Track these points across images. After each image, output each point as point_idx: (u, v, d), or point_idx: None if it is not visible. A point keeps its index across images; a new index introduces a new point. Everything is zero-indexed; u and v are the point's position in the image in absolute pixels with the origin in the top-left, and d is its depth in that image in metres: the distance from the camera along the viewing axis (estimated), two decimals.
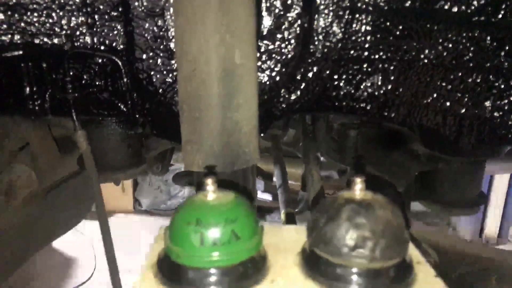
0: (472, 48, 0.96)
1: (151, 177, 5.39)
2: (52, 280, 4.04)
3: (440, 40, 0.96)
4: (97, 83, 1.02)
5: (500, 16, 0.93)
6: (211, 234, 0.54)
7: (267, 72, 0.98)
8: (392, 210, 0.57)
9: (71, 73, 1.00)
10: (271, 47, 0.96)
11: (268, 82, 0.99)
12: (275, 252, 0.65)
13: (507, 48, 0.95)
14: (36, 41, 0.97)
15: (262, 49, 0.95)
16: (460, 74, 0.99)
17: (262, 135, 1.08)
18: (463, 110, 1.02)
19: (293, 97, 1.03)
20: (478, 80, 0.99)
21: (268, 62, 0.97)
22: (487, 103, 1.00)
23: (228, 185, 0.64)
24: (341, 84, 1.02)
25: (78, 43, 0.98)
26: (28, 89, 1.02)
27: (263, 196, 1.82)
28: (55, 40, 0.97)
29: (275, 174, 1.50)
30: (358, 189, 0.59)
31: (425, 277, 0.60)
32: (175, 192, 5.32)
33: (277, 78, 0.99)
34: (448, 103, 1.01)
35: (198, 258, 0.55)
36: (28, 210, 1.02)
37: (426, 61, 0.98)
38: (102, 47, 0.99)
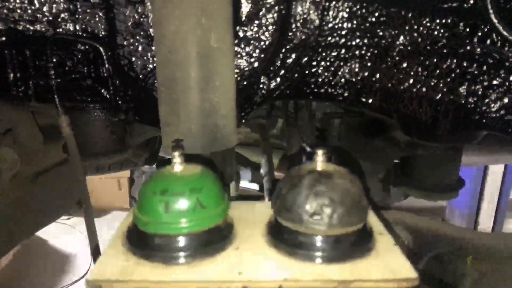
0: (446, 34, 0.98)
1: (146, 175, 5.41)
2: (49, 276, 4.06)
3: (415, 27, 0.98)
4: (80, 69, 1.04)
5: (472, 2, 0.95)
6: (176, 202, 0.57)
7: (246, 58, 1.00)
8: (351, 180, 0.59)
9: (54, 60, 1.02)
10: (249, 33, 0.98)
11: (247, 68, 1.01)
12: (244, 224, 0.67)
13: (479, 34, 0.97)
14: (19, 27, 0.99)
15: (241, 35, 0.98)
16: (435, 60, 1.01)
17: (243, 121, 1.11)
18: (439, 96, 1.04)
19: (273, 83, 1.05)
20: (453, 66, 1.01)
21: (247, 48, 0.99)
22: (462, 89, 1.02)
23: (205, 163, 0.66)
24: (320, 70, 1.04)
25: (61, 30, 1.00)
26: (12, 75, 1.04)
27: (250, 185, 1.86)
28: (38, 27, 0.99)
29: (262, 163, 1.52)
30: (320, 160, 0.61)
31: (385, 245, 0.62)
32: None
33: (256, 64, 1.01)
34: (424, 89, 1.03)
35: (164, 225, 0.57)
36: (16, 194, 1.04)
37: (401, 47, 1.00)
38: (84, 34, 1.01)
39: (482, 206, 3.99)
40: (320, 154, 0.60)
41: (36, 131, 1.05)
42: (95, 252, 1.03)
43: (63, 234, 4.57)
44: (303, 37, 1.00)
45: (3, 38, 0.99)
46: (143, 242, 0.58)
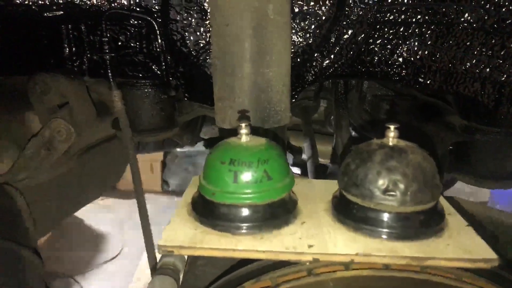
0: None
1: (179, 158, 5.48)
2: (85, 254, 4.18)
3: (482, 2, 0.92)
4: (132, 45, 1.05)
5: None
6: (244, 172, 0.55)
7: (300, 33, 0.97)
8: (424, 156, 0.56)
9: (108, 35, 1.03)
10: (305, 7, 0.95)
11: (301, 44, 0.98)
12: (305, 200, 0.66)
13: None
14: (76, 1, 0.99)
15: (296, 10, 0.95)
16: (501, 39, 0.95)
17: (293, 100, 1.08)
18: (504, 77, 0.98)
19: (326, 61, 1.02)
20: None
21: (302, 23, 0.96)
22: None
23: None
24: (376, 48, 1.00)
25: (115, 4, 1.00)
26: (67, 50, 1.06)
27: (292, 169, 1.83)
28: (94, 1, 1.00)
29: (305, 146, 1.50)
30: (391, 135, 0.58)
31: (457, 225, 0.59)
32: None
33: (310, 41, 0.98)
34: (487, 70, 0.98)
35: (231, 195, 0.56)
36: (67, 166, 1.06)
37: (465, 24, 0.94)
38: (138, 8, 1.01)
39: None
40: (392, 129, 0.58)
41: (90, 105, 1.07)
42: (146, 228, 1.04)
43: (97, 214, 4.70)
44: (361, 12, 0.96)
45: (61, 12, 1.01)
46: (209, 212, 0.58)
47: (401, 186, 0.54)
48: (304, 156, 1.52)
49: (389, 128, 0.58)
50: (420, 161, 0.55)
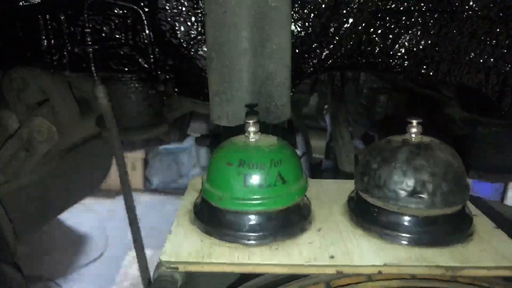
0: None
1: (161, 155, 5.37)
2: (66, 255, 4.06)
3: None
4: (117, 36, 0.97)
5: None
6: (255, 175, 0.49)
7: (299, 22, 0.91)
8: (452, 153, 0.51)
9: (90, 26, 0.95)
10: None
11: (299, 34, 0.92)
12: (318, 203, 0.60)
13: None
14: None
15: None
16: (506, 27, 0.91)
17: (291, 94, 1.03)
18: (508, 68, 0.94)
19: (325, 52, 0.97)
20: None
21: (301, 11, 0.91)
22: None
23: None
24: (377, 38, 0.95)
25: None
26: (45, 42, 0.97)
27: None
28: None
29: (299, 141, 1.44)
30: (414, 131, 0.53)
31: (484, 228, 0.54)
32: (186, 171, 5.29)
33: (309, 30, 0.92)
34: (492, 60, 0.94)
35: (241, 202, 0.50)
36: (48, 168, 0.98)
37: (470, 12, 0.90)
38: None
39: (507, 196, 3.83)
40: (414, 124, 0.52)
41: (72, 102, 0.99)
42: (135, 231, 0.97)
43: (78, 214, 4.55)
44: (362, 0, 0.91)
45: (38, 1, 0.92)
46: (216, 220, 0.51)
47: (430, 187, 0.49)
48: (298, 152, 1.46)
49: (411, 123, 0.53)
50: (449, 159, 0.50)
